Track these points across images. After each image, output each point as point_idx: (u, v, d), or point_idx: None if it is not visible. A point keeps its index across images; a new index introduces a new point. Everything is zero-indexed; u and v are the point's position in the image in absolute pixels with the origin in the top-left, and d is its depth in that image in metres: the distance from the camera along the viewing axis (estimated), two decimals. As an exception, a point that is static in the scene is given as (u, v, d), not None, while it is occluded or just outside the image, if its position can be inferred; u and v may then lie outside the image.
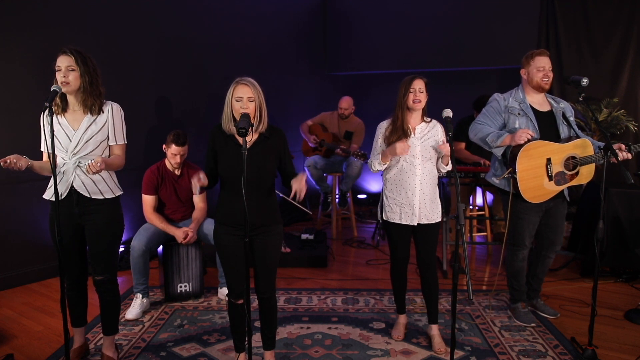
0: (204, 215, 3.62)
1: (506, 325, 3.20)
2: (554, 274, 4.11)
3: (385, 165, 2.81)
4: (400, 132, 2.76)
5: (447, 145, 2.64)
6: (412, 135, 2.78)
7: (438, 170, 2.85)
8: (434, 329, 2.93)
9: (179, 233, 3.44)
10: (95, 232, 2.48)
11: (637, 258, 3.73)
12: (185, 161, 3.54)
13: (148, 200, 3.49)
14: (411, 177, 2.77)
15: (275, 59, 6.03)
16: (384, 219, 2.88)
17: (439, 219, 2.85)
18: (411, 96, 2.73)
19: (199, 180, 2.26)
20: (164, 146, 3.47)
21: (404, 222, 2.80)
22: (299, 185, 2.26)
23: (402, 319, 3.07)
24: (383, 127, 2.86)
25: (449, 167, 2.81)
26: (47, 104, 2.13)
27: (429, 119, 2.85)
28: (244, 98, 2.27)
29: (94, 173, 2.31)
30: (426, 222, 2.79)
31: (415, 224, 2.79)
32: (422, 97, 2.74)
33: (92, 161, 2.28)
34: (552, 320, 3.26)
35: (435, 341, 2.88)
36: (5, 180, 3.72)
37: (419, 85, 2.73)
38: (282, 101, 5.95)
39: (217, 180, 2.45)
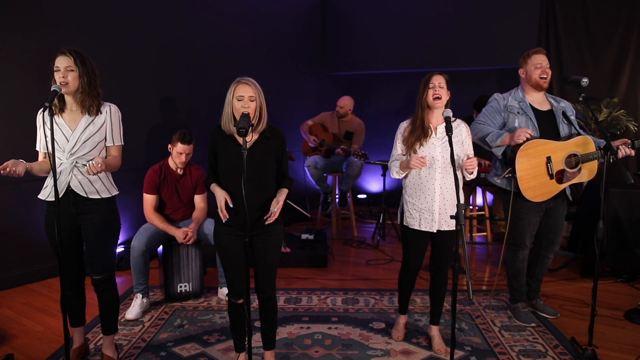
0: (204, 215, 3.62)
1: (506, 325, 3.20)
2: (554, 274, 4.11)
3: (404, 174, 2.71)
4: (419, 132, 2.63)
5: (474, 161, 2.52)
6: (433, 135, 2.65)
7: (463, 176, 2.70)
8: (434, 330, 2.92)
9: (178, 233, 3.44)
10: (92, 231, 2.48)
11: (637, 258, 3.73)
12: (189, 161, 3.55)
13: (149, 200, 3.49)
14: (430, 181, 2.64)
15: (275, 59, 6.03)
16: (404, 224, 2.77)
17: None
18: (431, 92, 2.60)
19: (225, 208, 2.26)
20: (169, 145, 3.48)
21: (423, 229, 2.69)
22: (275, 205, 2.30)
23: (402, 318, 3.06)
24: (402, 127, 2.73)
25: (473, 176, 2.66)
26: (47, 104, 2.13)
27: (452, 118, 2.63)
28: (245, 97, 2.27)
29: (94, 174, 2.31)
30: (446, 229, 2.68)
31: (435, 231, 2.68)
32: (443, 93, 2.60)
33: (93, 162, 2.28)
34: (552, 320, 3.26)
35: (435, 341, 2.88)
36: (5, 180, 3.72)
37: (438, 80, 2.60)
38: (282, 101, 5.96)
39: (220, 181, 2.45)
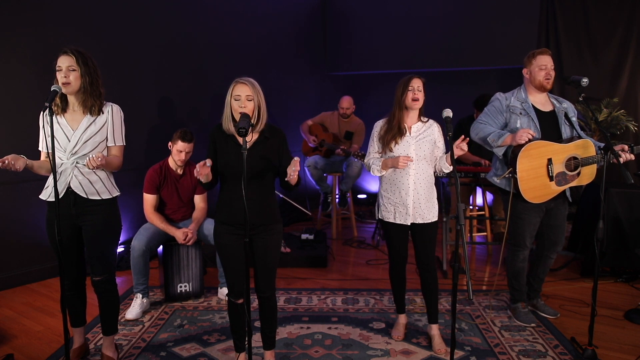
0: (204, 215, 3.62)
1: (506, 325, 3.20)
2: (554, 274, 4.11)
3: (385, 172, 2.81)
4: (395, 130, 2.75)
5: (464, 145, 2.58)
6: (408, 134, 2.77)
7: (439, 170, 2.83)
8: (434, 329, 2.92)
9: (178, 234, 3.44)
10: (93, 232, 2.48)
11: (637, 258, 3.73)
12: (188, 161, 3.55)
13: (149, 200, 3.49)
14: (405, 177, 2.76)
15: (275, 59, 6.03)
16: (380, 217, 2.89)
17: (435, 219, 2.83)
18: (410, 94, 2.71)
19: (203, 165, 2.15)
20: (169, 143, 3.48)
21: (397, 222, 2.80)
22: (294, 167, 2.19)
23: (402, 318, 3.07)
24: (379, 126, 2.85)
25: (447, 170, 2.80)
26: (47, 104, 2.13)
27: (425, 119, 2.84)
28: (242, 97, 2.27)
29: (94, 168, 2.30)
30: (421, 222, 2.79)
31: (409, 224, 2.79)
32: (420, 96, 2.73)
33: (94, 156, 2.28)
34: (552, 320, 3.26)
35: (435, 341, 2.88)
36: (5, 180, 3.72)
37: (417, 84, 2.72)
38: (282, 101, 5.95)
39: (218, 180, 2.45)
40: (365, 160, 2.90)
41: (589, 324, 2.70)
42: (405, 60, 6.29)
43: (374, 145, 2.86)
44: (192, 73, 5.01)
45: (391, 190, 2.81)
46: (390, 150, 2.77)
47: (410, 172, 2.76)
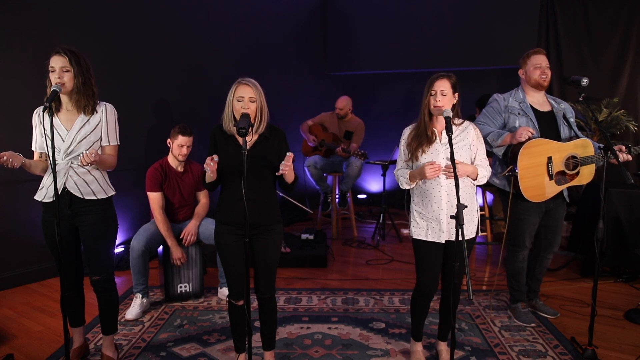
0: (207, 210, 3.63)
1: (506, 325, 3.20)
2: (554, 274, 4.12)
3: (414, 185, 2.52)
4: (423, 138, 2.45)
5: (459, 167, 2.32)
6: (438, 140, 2.46)
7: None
8: (442, 345, 2.78)
9: (174, 252, 3.42)
10: (90, 232, 2.48)
11: (637, 258, 3.73)
12: (188, 159, 3.55)
13: (155, 198, 3.44)
14: (436, 188, 2.44)
15: (275, 59, 6.03)
16: (412, 237, 2.56)
17: (473, 235, 2.51)
18: (432, 100, 2.42)
19: (212, 160, 2.16)
20: (168, 140, 3.47)
21: (430, 239, 2.48)
22: (284, 162, 2.19)
23: (419, 346, 2.75)
24: (406, 133, 2.55)
25: (481, 181, 2.50)
26: (47, 104, 2.13)
27: (459, 121, 2.51)
28: (245, 98, 2.27)
29: (87, 164, 2.29)
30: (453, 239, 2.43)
31: (443, 241, 2.48)
32: (446, 101, 2.39)
33: (87, 152, 2.27)
34: (552, 320, 3.26)
35: (442, 356, 2.74)
36: (5, 180, 3.72)
37: (441, 87, 2.39)
38: (282, 101, 5.96)
39: (220, 181, 2.44)
40: (395, 171, 2.61)
41: (589, 324, 2.71)
42: (405, 60, 6.29)
43: (402, 154, 2.55)
44: (192, 73, 5.01)
45: (422, 203, 2.49)
46: (417, 159, 2.46)
47: (442, 183, 2.42)
